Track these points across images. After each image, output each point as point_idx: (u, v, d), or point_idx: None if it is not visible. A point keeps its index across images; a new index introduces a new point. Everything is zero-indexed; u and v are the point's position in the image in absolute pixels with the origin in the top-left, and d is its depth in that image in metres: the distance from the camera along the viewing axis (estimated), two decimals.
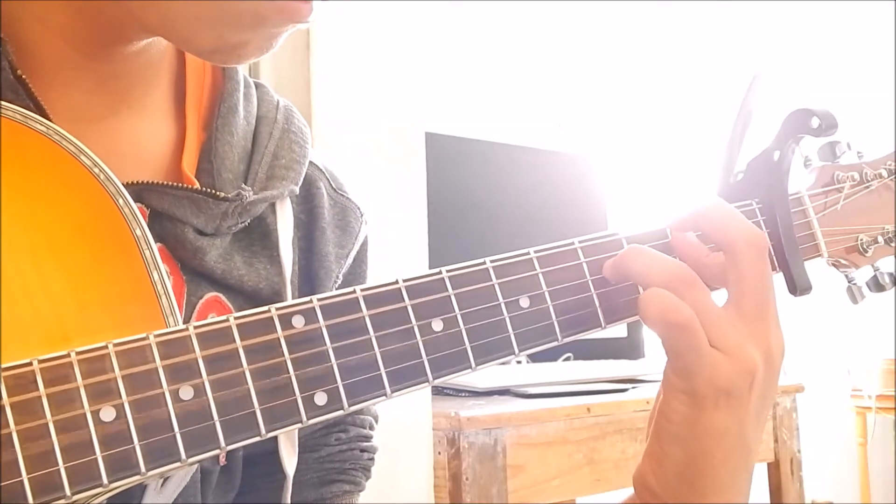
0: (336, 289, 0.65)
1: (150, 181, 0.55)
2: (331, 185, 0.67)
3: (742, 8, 3.01)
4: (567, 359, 1.97)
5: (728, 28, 3.03)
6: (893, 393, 2.92)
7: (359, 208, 0.68)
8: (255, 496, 0.63)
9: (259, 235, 0.61)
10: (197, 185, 0.56)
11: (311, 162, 0.65)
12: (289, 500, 0.61)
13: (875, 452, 3.11)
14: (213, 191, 0.56)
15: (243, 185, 0.58)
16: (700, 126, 2.85)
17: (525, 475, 1.31)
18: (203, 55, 0.52)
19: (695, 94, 2.94)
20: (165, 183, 0.55)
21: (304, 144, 0.63)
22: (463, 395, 1.48)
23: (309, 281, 0.64)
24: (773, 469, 1.75)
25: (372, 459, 0.70)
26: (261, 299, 0.59)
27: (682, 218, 0.54)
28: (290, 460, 0.61)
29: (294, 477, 0.61)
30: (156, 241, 0.54)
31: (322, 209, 0.65)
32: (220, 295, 0.58)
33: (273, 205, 0.61)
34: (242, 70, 0.63)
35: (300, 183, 0.62)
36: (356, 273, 0.69)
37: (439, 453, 1.27)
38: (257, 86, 0.64)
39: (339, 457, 0.67)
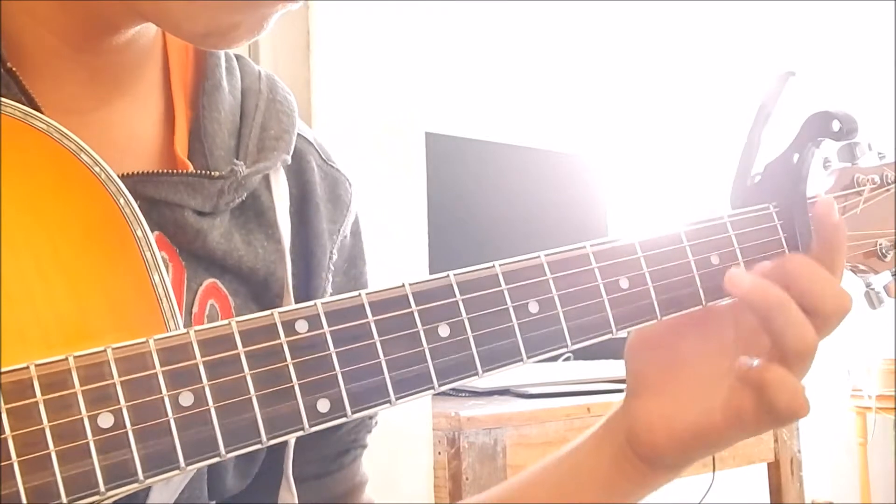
0: (330, 264, 0.65)
1: (145, 171, 0.54)
2: (320, 156, 0.67)
3: (742, 8, 3.01)
4: (567, 359, 1.96)
5: (729, 29, 3.02)
6: (893, 393, 2.92)
7: (347, 179, 0.68)
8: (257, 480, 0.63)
9: (254, 213, 0.60)
10: (191, 169, 0.56)
11: (299, 134, 0.65)
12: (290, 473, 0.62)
13: (875, 452, 3.11)
14: (208, 171, 0.56)
15: (235, 161, 0.58)
16: (700, 126, 2.85)
17: None
18: (195, 40, 0.52)
19: (695, 95, 2.94)
20: (160, 171, 0.55)
21: (290, 113, 0.63)
22: (463, 395, 1.47)
23: (304, 258, 0.64)
24: (773, 469, 1.74)
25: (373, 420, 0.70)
26: (257, 280, 0.59)
27: (765, 270, 0.56)
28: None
29: (296, 464, 0.62)
30: (154, 229, 0.53)
31: (314, 184, 0.65)
32: (217, 281, 0.58)
33: (267, 180, 0.61)
34: None
35: (291, 152, 0.62)
36: (355, 252, 0.68)
37: (439, 453, 1.26)
38: (238, 58, 0.64)
39: (344, 438, 0.68)
